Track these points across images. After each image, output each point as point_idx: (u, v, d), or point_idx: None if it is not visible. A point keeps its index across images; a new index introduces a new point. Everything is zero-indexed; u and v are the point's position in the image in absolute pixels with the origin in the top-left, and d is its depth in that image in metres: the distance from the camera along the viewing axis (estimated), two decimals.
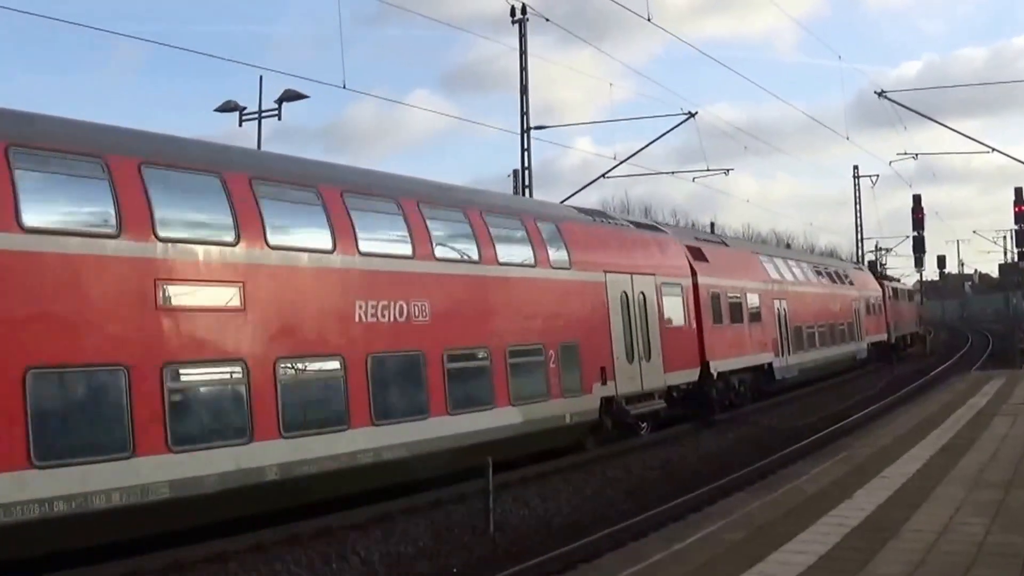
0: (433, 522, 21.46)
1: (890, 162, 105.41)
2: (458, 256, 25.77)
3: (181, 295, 18.19)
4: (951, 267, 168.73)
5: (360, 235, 22.30)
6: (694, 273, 38.54)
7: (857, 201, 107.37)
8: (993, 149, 59.20)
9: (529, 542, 20.14)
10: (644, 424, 33.78)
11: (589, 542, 18.95)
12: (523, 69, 49.85)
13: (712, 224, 76.71)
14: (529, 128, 50.08)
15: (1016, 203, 55.61)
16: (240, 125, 45.08)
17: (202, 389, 18.88)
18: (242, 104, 44.84)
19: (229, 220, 19.54)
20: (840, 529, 15.15)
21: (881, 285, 78.92)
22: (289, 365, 20.01)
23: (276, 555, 18.46)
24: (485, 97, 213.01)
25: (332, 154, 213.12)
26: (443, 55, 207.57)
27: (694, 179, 61.04)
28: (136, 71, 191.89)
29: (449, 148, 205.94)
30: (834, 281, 62.61)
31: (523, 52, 49.77)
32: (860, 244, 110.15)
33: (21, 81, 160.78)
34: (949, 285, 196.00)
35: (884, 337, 73.91)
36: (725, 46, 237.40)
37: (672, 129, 52.55)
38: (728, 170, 59.57)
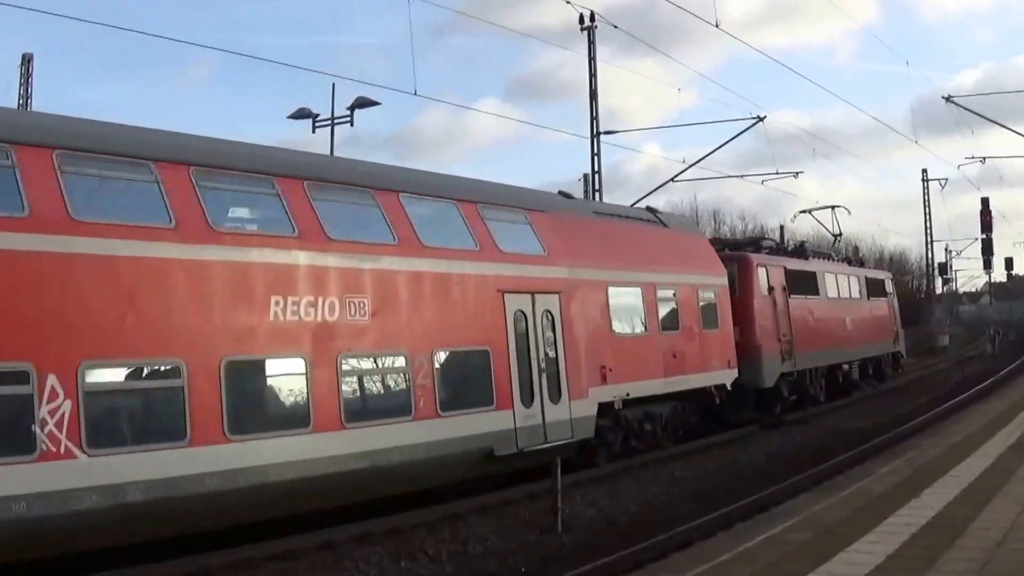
0: (502, 521, 21.63)
1: (958, 166, 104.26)
2: None
3: None
4: (1019, 268, 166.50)
5: None
6: None
7: (926, 204, 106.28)
8: None
9: (597, 541, 20.19)
10: None
11: (657, 542, 18.95)
12: (592, 75, 50.13)
13: (781, 227, 74.62)
14: (599, 133, 50.30)
15: None
16: (313, 132, 45.72)
17: None
18: (315, 111, 45.49)
19: None
20: (907, 528, 15.14)
21: (741, 262, 38.65)
22: None
23: (345, 553, 18.63)
24: (551, 105, 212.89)
25: (403, 160, 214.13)
26: (509, 65, 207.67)
27: (763, 182, 60.50)
28: (210, 80, 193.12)
29: (517, 154, 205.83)
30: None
31: (592, 58, 50.03)
32: (929, 247, 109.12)
33: (98, 91, 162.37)
34: (1018, 287, 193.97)
35: (724, 376, 34.44)
36: (786, 54, 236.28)
37: (741, 133, 51.27)
38: (798, 173, 58.65)
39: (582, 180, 55.39)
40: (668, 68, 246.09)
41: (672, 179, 54.26)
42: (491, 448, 23.57)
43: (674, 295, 32.30)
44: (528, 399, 24.92)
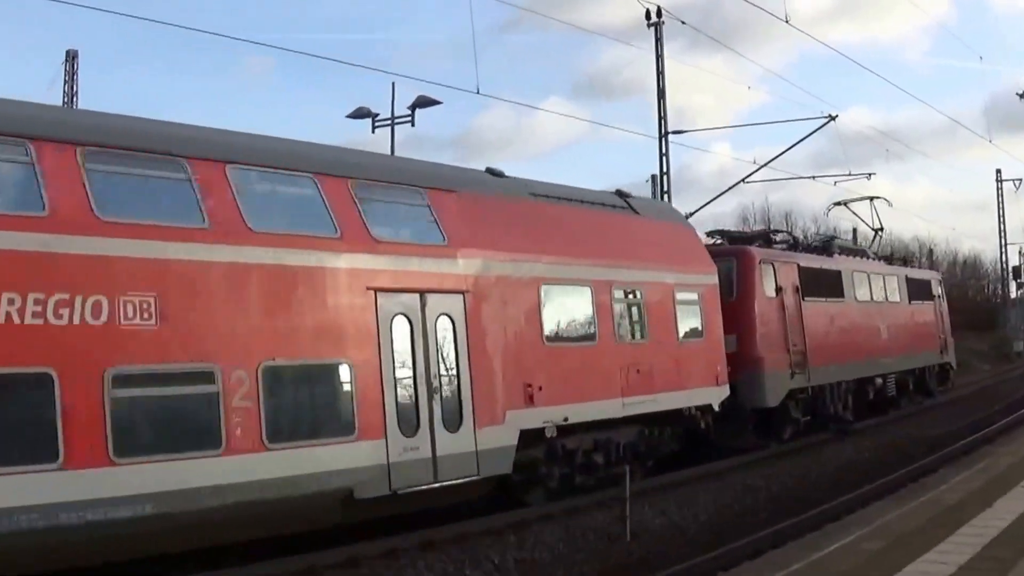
0: (569, 529, 21.46)
1: None
2: None
3: None
4: None
5: None
6: None
7: (1000, 205, 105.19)
8: None
9: (666, 549, 20.15)
10: None
11: (727, 551, 18.86)
12: (660, 73, 49.67)
13: (855, 230, 73.15)
14: (667, 133, 49.86)
15: None
16: (373, 132, 44.77)
17: None
18: (375, 111, 44.64)
19: None
20: (979, 539, 14.99)
21: (740, 258, 33.02)
22: None
23: (409, 560, 18.54)
24: (617, 104, 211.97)
25: (464, 160, 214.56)
26: (573, 63, 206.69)
27: (835, 183, 59.99)
28: (267, 78, 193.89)
29: (582, 155, 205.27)
30: None
31: (659, 56, 49.66)
32: (1004, 250, 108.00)
33: (154, 88, 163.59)
34: None
35: (711, 395, 29.02)
36: (855, 51, 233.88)
37: (812, 133, 50.95)
38: (871, 174, 57.93)
39: (650, 181, 55.04)
40: (737, 65, 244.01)
41: (743, 180, 53.81)
42: (350, 490, 18.57)
43: (639, 296, 26.53)
44: (410, 426, 19.78)
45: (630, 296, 26.21)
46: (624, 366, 25.19)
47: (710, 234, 36.42)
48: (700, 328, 28.70)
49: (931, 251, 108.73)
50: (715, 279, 29.86)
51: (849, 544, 15.44)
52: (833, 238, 44.13)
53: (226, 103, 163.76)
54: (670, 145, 49.71)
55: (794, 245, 38.94)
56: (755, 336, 31.73)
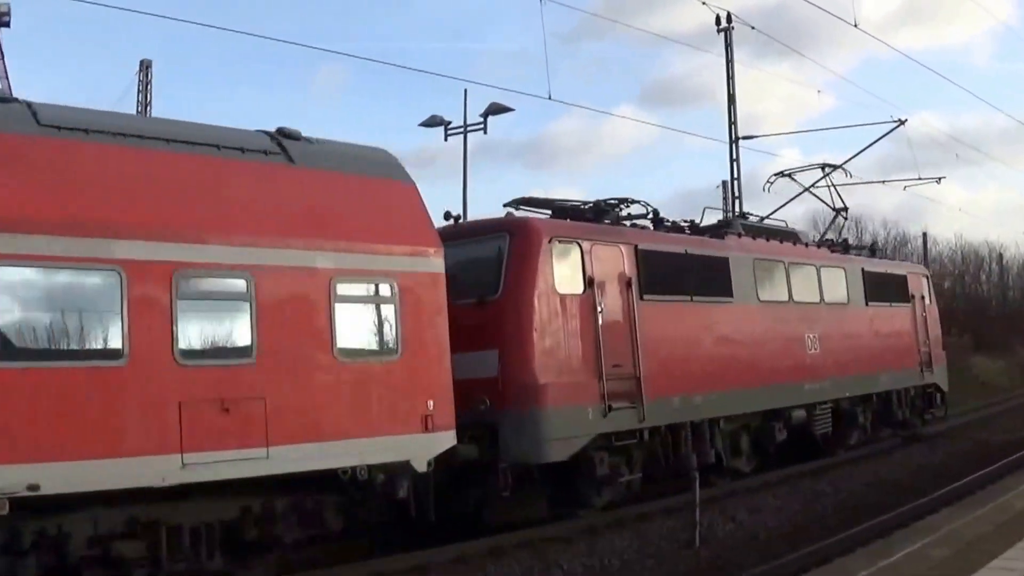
0: (639, 535, 21.50)
1: None
2: None
3: None
4: None
5: None
6: None
7: None
8: None
9: (735, 556, 20.11)
10: None
11: (796, 557, 18.81)
12: (730, 78, 49.60)
13: (924, 235, 71.87)
14: (738, 138, 49.70)
15: None
16: (445, 139, 44.45)
17: None
18: (447, 119, 44.36)
19: None
20: None
21: (514, 234, 21.52)
22: None
23: (478, 567, 18.65)
24: (686, 111, 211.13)
25: (535, 168, 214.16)
26: (643, 72, 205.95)
27: (905, 188, 59.46)
28: (340, 87, 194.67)
29: (653, 161, 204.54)
30: None
31: (729, 61, 49.57)
32: None
33: (231, 97, 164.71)
34: None
35: (408, 447, 17.75)
36: (922, 55, 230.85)
37: (882, 137, 50.41)
38: (940, 178, 57.36)
39: (720, 187, 54.76)
40: (805, 70, 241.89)
41: (813, 185, 53.45)
42: None
43: (245, 287, 16.04)
44: None
45: (221, 287, 16.17)
46: (192, 402, 15.11)
47: (510, 204, 24.26)
48: (393, 340, 18.09)
49: (1000, 255, 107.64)
50: (437, 265, 19.03)
51: (917, 551, 15.45)
52: (743, 215, 34.20)
53: (299, 111, 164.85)
54: (740, 150, 49.73)
55: (658, 222, 26.79)
56: (529, 352, 20.84)
